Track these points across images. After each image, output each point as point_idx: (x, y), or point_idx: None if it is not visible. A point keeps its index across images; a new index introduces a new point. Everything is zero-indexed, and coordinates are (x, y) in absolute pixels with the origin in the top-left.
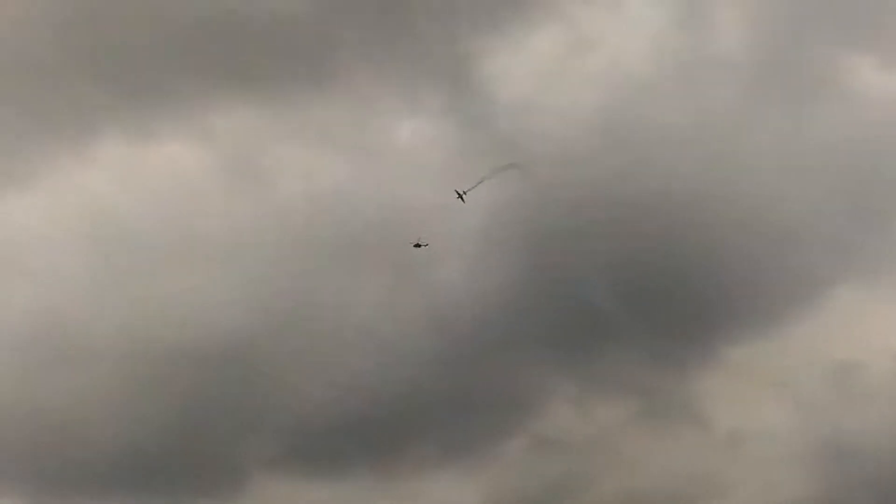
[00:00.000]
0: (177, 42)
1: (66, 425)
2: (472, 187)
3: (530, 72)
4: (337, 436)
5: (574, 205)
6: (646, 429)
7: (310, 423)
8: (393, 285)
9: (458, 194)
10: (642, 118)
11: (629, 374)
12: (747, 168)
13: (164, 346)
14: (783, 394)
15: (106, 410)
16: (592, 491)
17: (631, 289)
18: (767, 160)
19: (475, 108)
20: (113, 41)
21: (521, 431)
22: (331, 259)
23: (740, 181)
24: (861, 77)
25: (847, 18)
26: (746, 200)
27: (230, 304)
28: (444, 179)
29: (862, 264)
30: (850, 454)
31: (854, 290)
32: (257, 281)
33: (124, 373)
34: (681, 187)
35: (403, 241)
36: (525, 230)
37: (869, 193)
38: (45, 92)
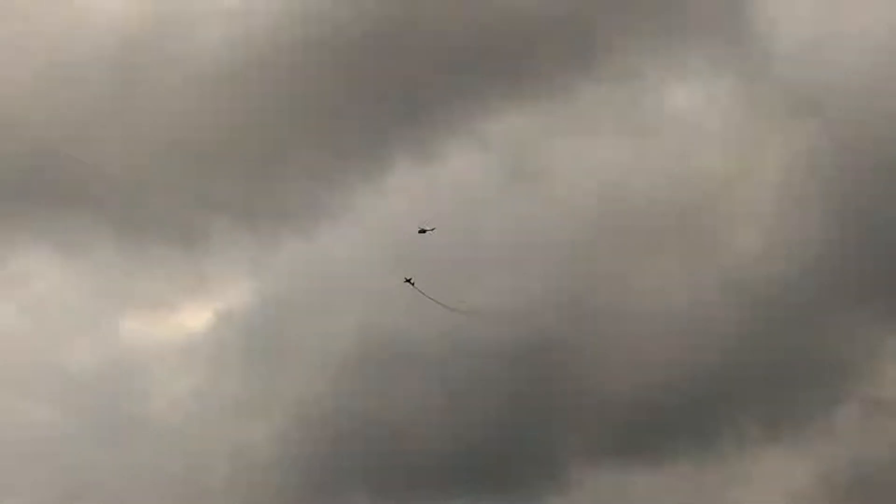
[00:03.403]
0: (440, 56)
1: (398, 430)
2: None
3: (808, 4)
4: (653, 422)
5: (879, 141)
6: None
7: (624, 412)
8: (691, 261)
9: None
10: None
11: None
12: None
13: (481, 348)
14: None
15: (432, 414)
16: None
17: None
18: None
19: (750, 58)
20: (386, 69)
21: (850, 397)
22: (627, 244)
23: None
24: None
25: None
26: None
27: (537, 304)
28: (728, 141)
29: None
30: None
31: None
32: (557, 278)
33: (447, 377)
34: None
35: (696, 211)
36: (827, 178)
37: None
38: (338, 129)
